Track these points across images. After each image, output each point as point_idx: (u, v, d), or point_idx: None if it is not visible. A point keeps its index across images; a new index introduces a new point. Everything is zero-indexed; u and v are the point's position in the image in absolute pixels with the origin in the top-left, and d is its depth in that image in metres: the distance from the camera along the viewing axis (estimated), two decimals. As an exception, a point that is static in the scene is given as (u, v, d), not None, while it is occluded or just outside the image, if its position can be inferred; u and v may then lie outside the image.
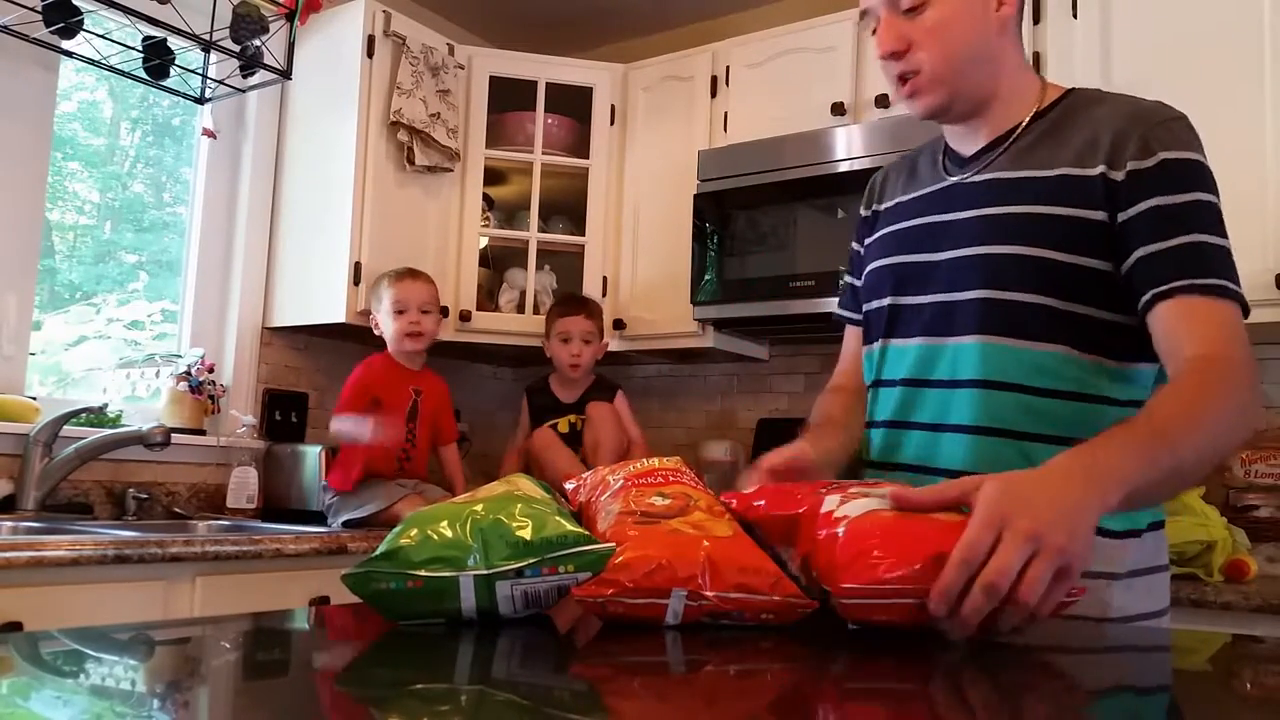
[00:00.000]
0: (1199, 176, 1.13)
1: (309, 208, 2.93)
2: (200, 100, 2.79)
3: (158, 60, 2.58)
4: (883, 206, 1.38)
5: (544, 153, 3.14)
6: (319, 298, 2.85)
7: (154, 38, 2.56)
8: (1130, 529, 1.18)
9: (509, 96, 3.14)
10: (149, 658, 0.76)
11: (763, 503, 1.02)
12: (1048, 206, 1.16)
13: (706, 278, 2.83)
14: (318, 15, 2.85)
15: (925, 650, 0.83)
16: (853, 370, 1.42)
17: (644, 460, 1.08)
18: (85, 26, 2.43)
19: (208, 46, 2.58)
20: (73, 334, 2.81)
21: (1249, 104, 2.17)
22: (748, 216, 2.78)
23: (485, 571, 0.82)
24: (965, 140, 1.27)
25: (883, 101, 2.64)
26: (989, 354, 1.17)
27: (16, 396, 2.43)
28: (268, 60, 2.67)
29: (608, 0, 3.37)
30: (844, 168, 2.61)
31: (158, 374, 2.81)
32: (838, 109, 2.74)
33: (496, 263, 3.30)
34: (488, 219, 3.21)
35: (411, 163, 2.91)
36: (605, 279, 3.11)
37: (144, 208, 3.02)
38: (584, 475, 1.11)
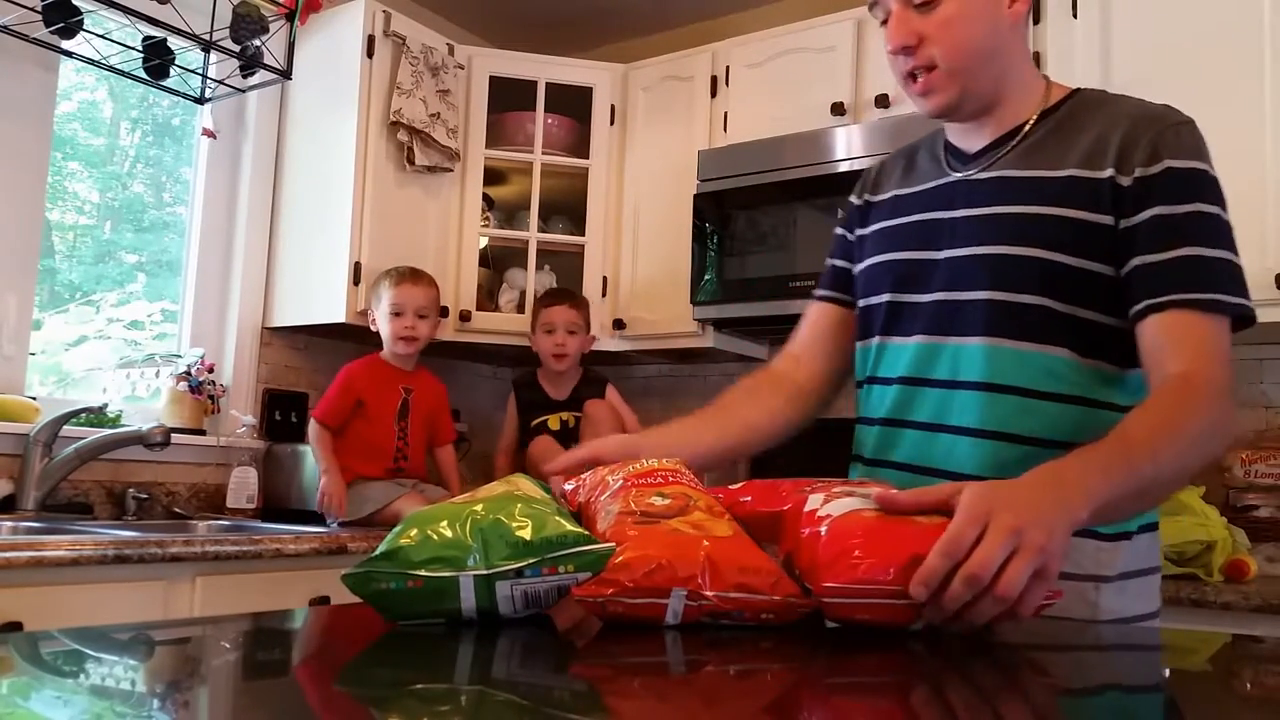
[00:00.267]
0: (1203, 186, 1.13)
1: (309, 208, 2.93)
2: (200, 100, 2.79)
3: (158, 60, 2.58)
4: (876, 198, 1.36)
5: (544, 153, 3.14)
6: (319, 298, 2.85)
7: (154, 38, 2.56)
8: (1121, 532, 1.17)
9: (509, 96, 3.14)
10: (149, 658, 0.76)
11: (749, 499, 1.03)
12: (1056, 208, 1.15)
13: (706, 278, 2.83)
14: (318, 15, 2.85)
15: (923, 651, 0.83)
16: (806, 348, 1.40)
17: (644, 460, 1.08)
18: (85, 26, 2.43)
19: (208, 46, 2.58)
20: (73, 334, 2.81)
21: (1249, 104, 2.17)
22: (748, 216, 2.78)
23: (485, 571, 0.82)
24: (969, 137, 1.26)
25: (883, 101, 2.64)
26: (993, 356, 1.16)
27: (16, 396, 2.43)
28: (268, 60, 2.67)
29: (608, 0, 3.37)
30: (844, 168, 2.61)
31: (158, 374, 2.81)
32: (838, 109, 2.74)
33: (496, 263, 3.30)
34: (488, 219, 3.21)
35: (411, 163, 2.91)
36: (605, 279, 3.11)
37: (144, 208, 3.02)
38: (583, 476, 1.11)
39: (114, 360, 2.86)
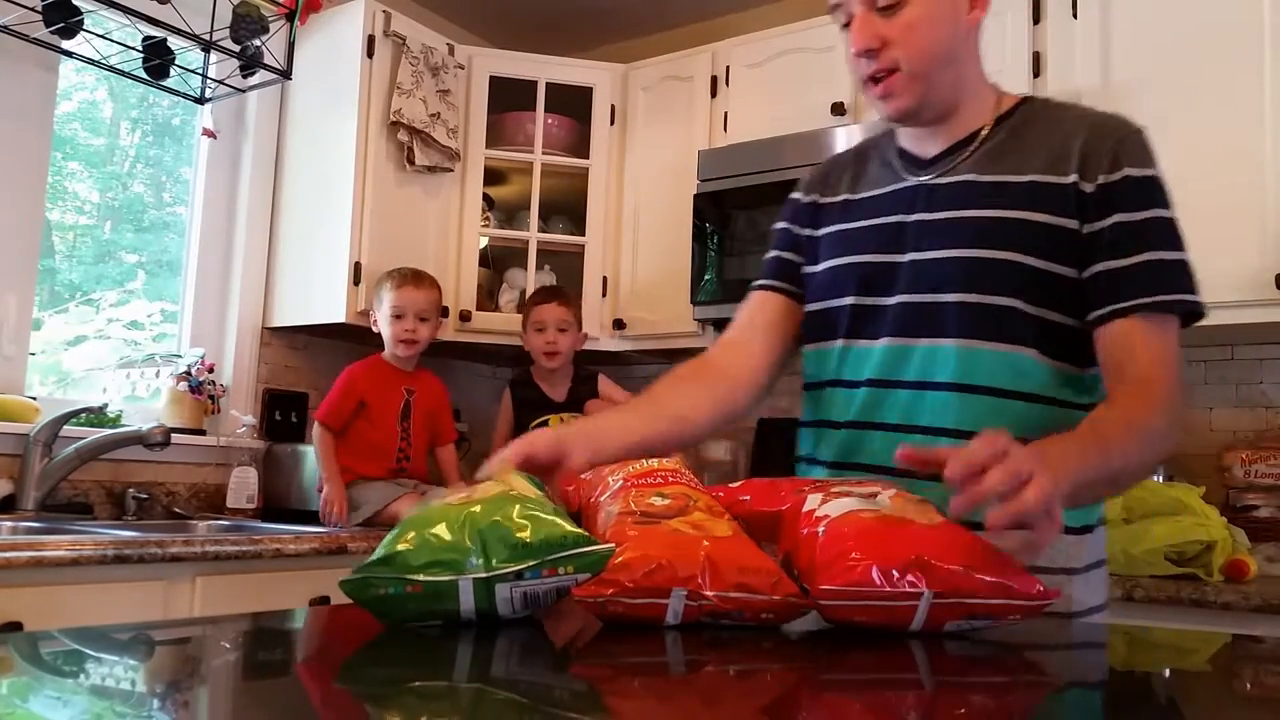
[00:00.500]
0: (1159, 192, 1.18)
1: (309, 208, 2.93)
2: (200, 100, 2.79)
3: (158, 60, 2.58)
4: (826, 199, 1.36)
5: (544, 153, 3.13)
6: (319, 298, 2.84)
7: (154, 38, 2.56)
8: (1085, 525, 1.22)
9: (509, 96, 3.14)
10: (149, 658, 0.76)
11: (748, 498, 1.03)
12: (1025, 212, 1.17)
13: (706, 277, 2.83)
14: (318, 15, 2.84)
15: (921, 652, 0.83)
16: (747, 337, 1.38)
17: (643, 461, 1.08)
18: (85, 26, 2.42)
19: (208, 46, 2.58)
20: (73, 334, 2.81)
21: (1249, 104, 2.17)
22: (748, 216, 2.78)
23: (485, 574, 0.82)
24: (925, 143, 1.27)
25: (883, 101, 2.64)
26: (966, 357, 1.18)
27: (16, 396, 2.42)
28: (268, 60, 2.67)
29: (608, 0, 3.37)
30: (844, 168, 2.61)
31: (158, 374, 2.81)
32: (837, 109, 2.74)
33: (496, 263, 3.30)
34: (488, 219, 3.21)
35: (411, 163, 2.91)
36: (605, 279, 3.11)
37: (144, 208, 3.02)
38: (585, 475, 1.11)
39: (114, 360, 2.86)
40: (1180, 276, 1.16)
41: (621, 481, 1.02)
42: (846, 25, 1.21)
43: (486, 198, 3.20)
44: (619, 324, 3.08)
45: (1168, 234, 1.17)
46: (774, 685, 0.73)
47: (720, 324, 2.91)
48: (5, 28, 2.35)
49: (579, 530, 0.86)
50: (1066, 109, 1.26)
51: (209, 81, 2.77)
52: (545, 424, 2.88)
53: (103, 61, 2.54)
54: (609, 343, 3.09)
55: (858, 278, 1.27)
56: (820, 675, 0.79)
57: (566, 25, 3.52)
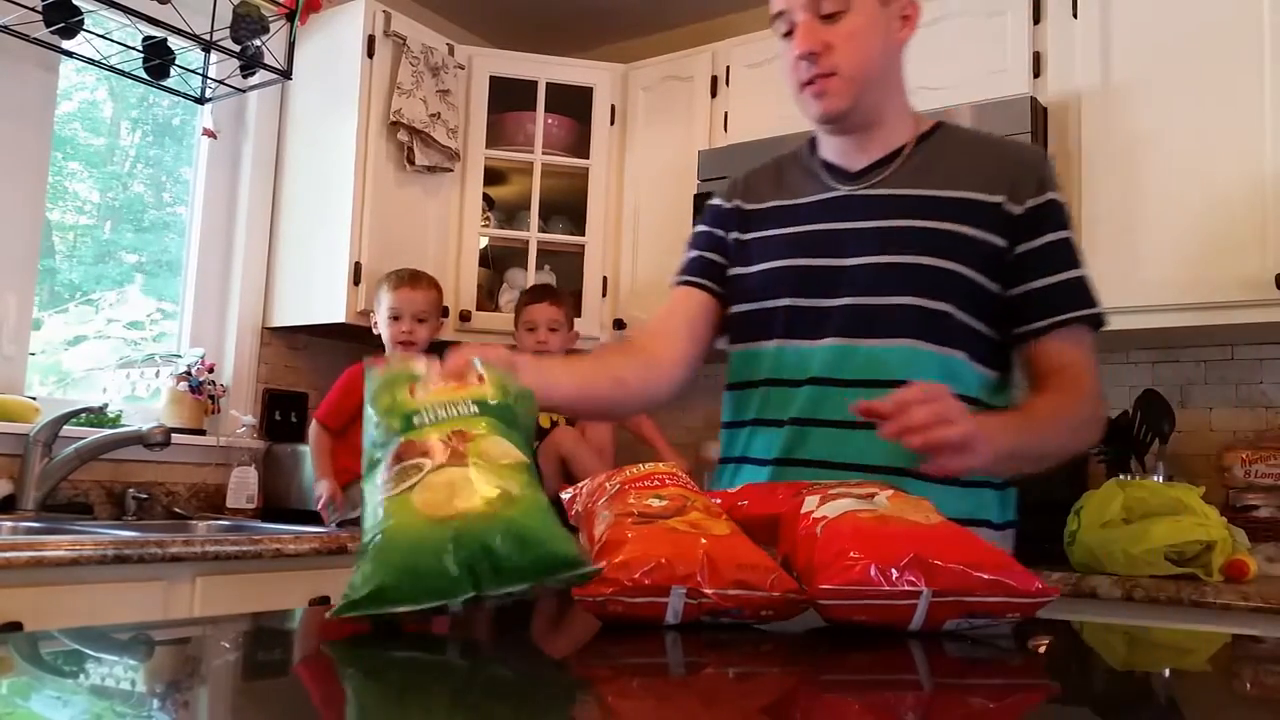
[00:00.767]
0: (1067, 215, 1.31)
1: (309, 208, 2.93)
2: (200, 100, 2.79)
3: (158, 60, 2.58)
4: (750, 206, 1.42)
5: (544, 153, 3.13)
6: (319, 298, 2.84)
7: (154, 38, 2.56)
8: (1008, 521, 1.33)
9: (509, 96, 3.14)
10: (149, 658, 0.76)
11: (746, 502, 1.03)
12: (959, 225, 1.27)
13: (706, 278, 2.82)
14: (318, 15, 2.84)
15: (920, 652, 0.83)
16: (669, 330, 1.41)
17: (640, 465, 1.08)
18: (85, 26, 2.42)
19: (208, 46, 2.58)
20: (72, 334, 2.81)
21: (1249, 104, 2.17)
22: (748, 216, 2.78)
23: (474, 594, 0.80)
24: (851, 156, 1.35)
25: (883, 101, 2.64)
26: (913, 357, 1.25)
27: (16, 396, 2.42)
28: (268, 60, 2.67)
29: (608, 0, 3.36)
30: (844, 168, 2.61)
31: (158, 374, 2.81)
32: (838, 109, 2.73)
33: (496, 263, 3.30)
34: (488, 219, 3.21)
35: (411, 163, 2.91)
36: (605, 279, 3.11)
37: (144, 208, 3.02)
38: (580, 484, 1.11)
39: (114, 360, 2.86)
40: (1092, 292, 1.29)
41: (618, 486, 1.02)
42: (787, 34, 1.30)
43: (486, 198, 3.20)
44: (619, 324, 3.08)
45: (1078, 253, 1.30)
46: (773, 686, 0.73)
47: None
48: (5, 28, 2.35)
49: (569, 548, 0.82)
50: (982, 135, 1.39)
51: (209, 81, 2.76)
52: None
53: (103, 61, 2.54)
54: (579, 334, 3.08)
55: (795, 280, 1.32)
56: (819, 676, 0.79)
57: (566, 25, 3.52)
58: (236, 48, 2.59)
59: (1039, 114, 2.37)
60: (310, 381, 3.06)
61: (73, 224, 2.88)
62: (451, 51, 3.05)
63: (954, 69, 2.53)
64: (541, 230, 3.17)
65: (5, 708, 0.56)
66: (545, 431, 2.86)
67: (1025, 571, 0.89)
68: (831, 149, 1.37)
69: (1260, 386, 2.44)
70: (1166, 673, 0.90)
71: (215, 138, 2.91)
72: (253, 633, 0.89)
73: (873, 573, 0.85)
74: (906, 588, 0.85)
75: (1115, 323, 2.30)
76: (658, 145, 3.08)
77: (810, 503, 0.96)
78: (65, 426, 2.39)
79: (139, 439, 2.41)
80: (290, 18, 2.71)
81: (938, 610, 0.86)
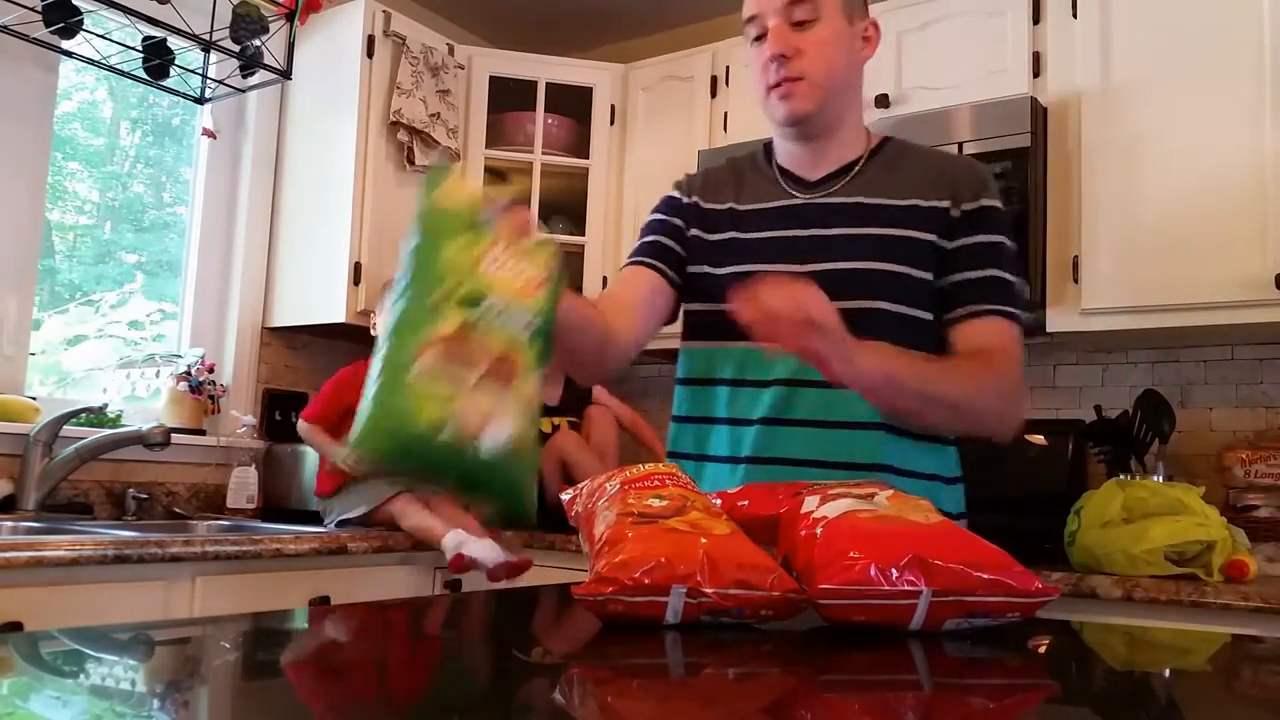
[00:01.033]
0: (1004, 222, 1.38)
1: (309, 208, 2.93)
2: (200, 100, 2.79)
3: (158, 60, 2.58)
4: (709, 205, 1.46)
5: (544, 153, 3.13)
6: (319, 298, 2.84)
7: (154, 38, 2.56)
8: (956, 477, 1.41)
9: (509, 96, 3.14)
10: (149, 658, 0.76)
11: (746, 503, 1.03)
12: (906, 229, 1.34)
13: (706, 278, 2.82)
14: (318, 15, 2.84)
15: (920, 651, 0.83)
16: (620, 306, 1.42)
17: (640, 466, 1.08)
18: (85, 26, 2.42)
19: (208, 46, 2.58)
20: (72, 334, 2.81)
21: (1249, 104, 2.17)
22: (747, 216, 2.78)
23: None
24: (807, 166, 1.42)
25: (882, 102, 2.63)
26: None
27: (16, 396, 2.42)
28: (268, 60, 2.67)
29: (608, 0, 3.36)
30: (844, 168, 2.61)
31: (158, 374, 2.81)
32: (838, 109, 2.73)
33: (496, 263, 3.29)
34: (488, 219, 3.20)
35: (411, 163, 2.91)
36: (605, 279, 3.11)
37: (144, 208, 3.02)
38: (580, 484, 1.11)
39: (114, 360, 2.86)
40: (1017, 295, 1.36)
41: (619, 486, 1.02)
42: (758, 39, 1.36)
43: (486, 198, 3.19)
44: (619, 324, 3.07)
45: (1010, 258, 1.37)
46: (773, 686, 0.73)
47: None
48: (5, 28, 2.35)
49: (526, 510, 0.88)
50: (928, 149, 1.47)
51: (209, 81, 2.76)
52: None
53: (103, 61, 2.54)
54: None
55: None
56: (819, 676, 0.79)
57: (566, 25, 3.51)
58: (236, 48, 2.59)
59: (1039, 114, 2.37)
60: (310, 381, 3.06)
61: (73, 224, 2.88)
62: (451, 51, 3.05)
63: (954, 69, 2.53)
64: (541, 230, 3.17)
65: (5, 708, 0.56)
66: (546, 436, 2.86)
67: (1025, 571, 0.89)
68: (788, 157, 1.44)
69: (1260, 386, 2.44)
70: (1166, 673, 0.90)
71: (215, 138, 2.91)
72: (253, 633, 0.89)
73: (873, 573, 0.85)
74: (906, 587, 0.85)
75: (1115, 323, 2.33)
76: (658, 145, 3.08)
77: (810, 503, 0.96)
78: (65, 426, 2.39)
79: (139, 439, 2.41)
80: (290, 18, 2.72)
81: (938, 610, 0.86)
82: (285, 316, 2.94)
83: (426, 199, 0.97)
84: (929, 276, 1.34)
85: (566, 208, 3.22)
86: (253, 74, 2.68)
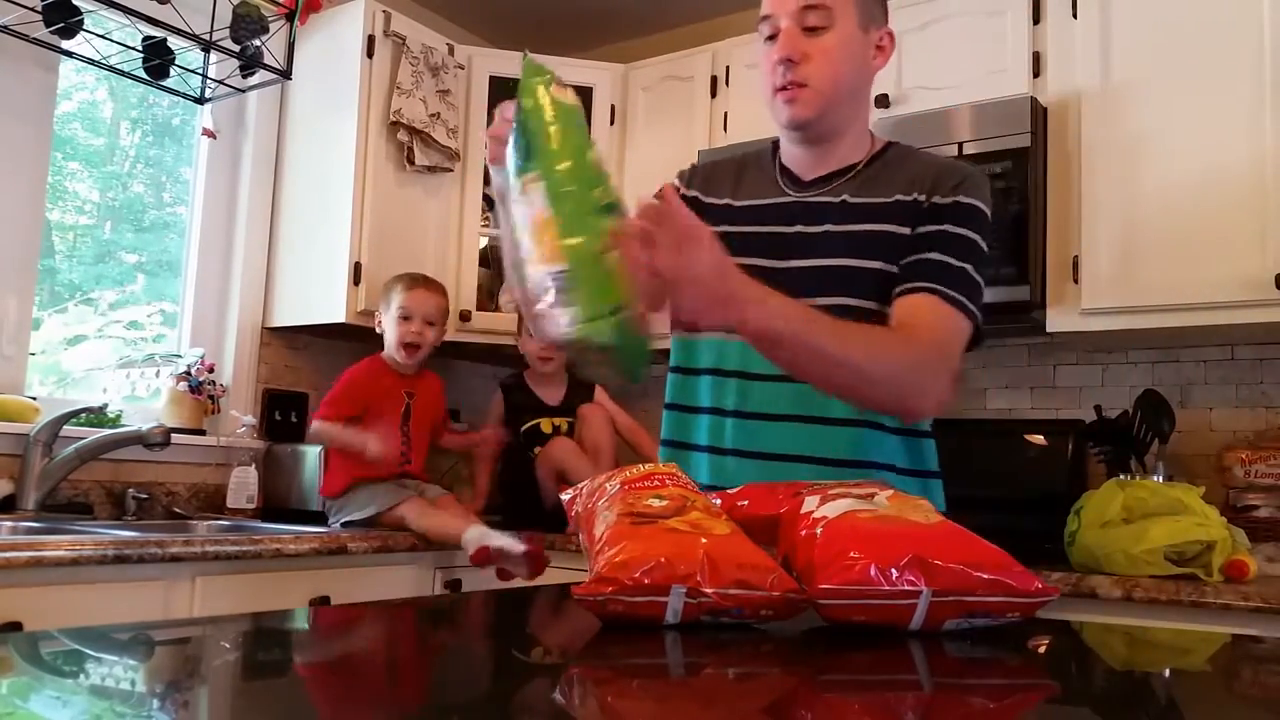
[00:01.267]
0: (976, 220, 1.35)
1: (309, 208, 2.93)
2: (200, 100, 2.79)
3: (158, 60, 2.58)
4: (708, 199, 1.48)
5: (544, 153, 3.13)
6: (319, 298, 2.84)
7: (154, 38, 2.56)
8: (927, 470, 1.39)
9: (509, 96, 3.12)
10: (149, 658, 0.76)
11: (746, 503, 1.03)
12: (886, 225, 1.34)
13: (706, 278, 2.82)
14: (318, 15, 2.84)
15: (920, 652, 0.83)
16: None
17: (640, 465, 1.08)
18: (85, 26, 2.42)
19: (208, 46, 2.58)
20: (72, 334, 2.80)
21: (1249, 103, 2.17)
22: (747, 216, 2.78)
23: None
24: (808, 167, 1.42)
25: (882, 102, 2.64)
26: None
27: (16, 396, 2.42)
28: (268, 60, 2.67)
29: (608, 0, 3.36)
30: (844, 168, 2.61)
31: (157, 374, 2.81)
32: (837, 109, 2.73)
33: (496, 263, 3.29)
34: (488, 219, 3.20)
35: (411, 163, 2.91)
36: (605, 279, 3.11)
37: (144, 208, 3.02)
38: (580, 485, 1.11)
39: (114, 360, 2.86)
40: (968, 287, 1.31)
41: (619, 486, 1.02)
42: (770, 38, 1.36)
43: (486, 198, 3.19)
44: (619, 324, 3.07)
45: (971, 251, 1.33)
46: (773, 686, 0.73)
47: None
48: (5, 28, 2.35)
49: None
50: (927, 153, 1.47)
51: (209, 81, 2.76)
52: (537, 426, 2.89)
53: (103, 61, 2.54)
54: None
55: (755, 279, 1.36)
56: (819, 676, 0.79)
57: (566, 25, 3.51)
58: (236, 48, 2.59)
59: (1039, 114, 2.37)
60: (310, 381, 3.06)
61: (72, 224, 2.88)
62: (451, 51, 3.05)
63: (954, 69, 2.53)
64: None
65: (5, 708, 0.56)
66: (546, 437, 2.86)
67: (1025, 571, 0.89)
68: (791, 157, 1.45)
69: (1260, 386, 2.44)
70: (1166, 673, 0.91)
71: (215, 138, 2.91)
72: (253, 633, 0.89)
73: (873, 573, 0.85)
74: (906, 587, 0.85)
75: (1115, 323, 2.33)
76: (657, 145, 3.08)
77: (810, 503, 0.96)
78: (65, 426, 2.39)
79: (139, 439, 2.41)
80: (290, 18, 2.71)
81: (938, 610, 0.86)
82: (285, 316, 2.94)
83: (551, 89, 1.10)
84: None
85: (566, 208, 3.21)
86: (253, 74, 2.68)
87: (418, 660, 0.76)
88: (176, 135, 3.05)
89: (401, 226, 2.91)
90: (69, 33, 2.40)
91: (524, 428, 2.89)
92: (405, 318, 2.60)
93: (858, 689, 0.73)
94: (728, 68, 2.96)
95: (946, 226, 1.33)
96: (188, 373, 2.69)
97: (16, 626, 1.70)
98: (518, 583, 2.32)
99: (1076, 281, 2.31)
